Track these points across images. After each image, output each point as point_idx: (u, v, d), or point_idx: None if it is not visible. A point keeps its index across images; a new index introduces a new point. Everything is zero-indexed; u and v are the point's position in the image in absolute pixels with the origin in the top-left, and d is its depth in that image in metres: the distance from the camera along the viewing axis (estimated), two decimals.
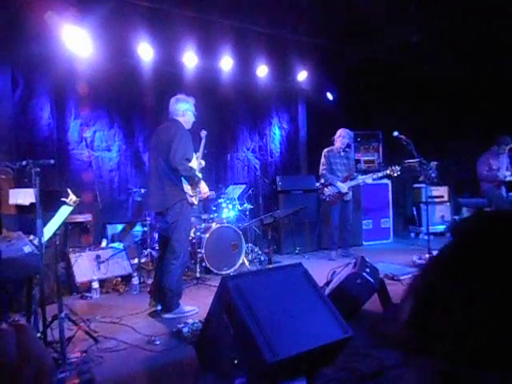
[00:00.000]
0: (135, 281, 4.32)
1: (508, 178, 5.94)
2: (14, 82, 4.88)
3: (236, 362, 1.99)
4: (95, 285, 4.18)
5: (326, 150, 5.77)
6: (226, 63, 5.98)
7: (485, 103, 6.79)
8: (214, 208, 5.42)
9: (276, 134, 7.36)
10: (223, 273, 4.83)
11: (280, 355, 1.84)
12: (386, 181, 6.80)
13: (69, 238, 4.67)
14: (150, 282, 4.39)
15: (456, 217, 7.41)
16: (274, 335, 1.91)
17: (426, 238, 5.33)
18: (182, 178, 3.48)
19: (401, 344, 0.42)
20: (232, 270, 4.94)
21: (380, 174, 5.66)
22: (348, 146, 5.99)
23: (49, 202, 2.97)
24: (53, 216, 2.89)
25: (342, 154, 5.74)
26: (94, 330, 3.11)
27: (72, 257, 4.33)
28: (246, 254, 5.21)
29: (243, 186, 5.90)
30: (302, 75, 6.78)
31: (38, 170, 2.51)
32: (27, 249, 2.49)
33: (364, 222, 6.78)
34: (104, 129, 5.65)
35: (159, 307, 3.54)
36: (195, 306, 3.60)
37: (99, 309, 3.76)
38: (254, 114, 7.08)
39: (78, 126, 5.43)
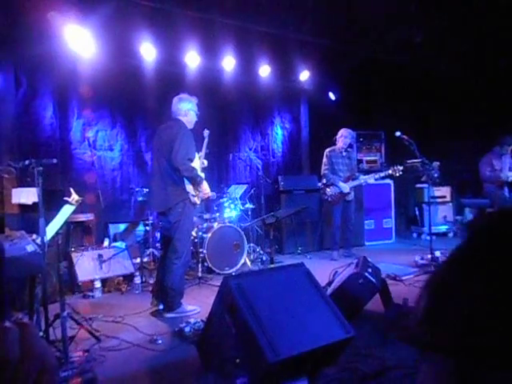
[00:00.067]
0: (137, 280, 4.32)
1: (511, 179, 5.92)
2: (17, 82, 4.90)
3: (238, 361, 1.99)
4: (97, 284, 4.19)
5: (327, 149, 5.76)
6: (229, 63, 5.98)
7: (488, 103, 6.76)
8: (216, 208, 5.42)
9: (278, 133, 7.36)
10: (225, 272, 4.83)
11: (282, 355, 1.84)
12: (388, 181, 6.78)
13: (71, 238, 4.68)
14: (152, 281, 4.40)
15: (458, 217, 7.39)
16: (275, 335, 1.91)
17: (428, 238, 5.34)
18: (184, 178, 3.49)
19: (415, 341, 0.42)
20: (234, 269, 4.95)
21: (382, 174, 5.65)
22: (350, 145, 5.98)
23: (51, 201, 2.98)
24: (55, 215, 2.90)
25: (344, 153, 5.73)
26: (96, 329, 3.12)
27: (74, 256, 4.34)
28: (247, 253, 5.21)
29: (245, 186, 5.90)
30: (305, 75, 6.77)
31: (41, 169, 2.52)
32: (30, 248, 2.50)
33: (366, 222, 6.77)
34: (106, 128, 5.67)
35: (161, 306, 3.55)
36: (197, 305, 3.60)
37: (101, 308, 3.77)
38: (256, 113, 7.08)
39: (80, 126, 5.45)
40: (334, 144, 5.77)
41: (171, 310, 3.46)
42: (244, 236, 5.07)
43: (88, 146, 5.48)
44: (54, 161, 2.62)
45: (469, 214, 7.27)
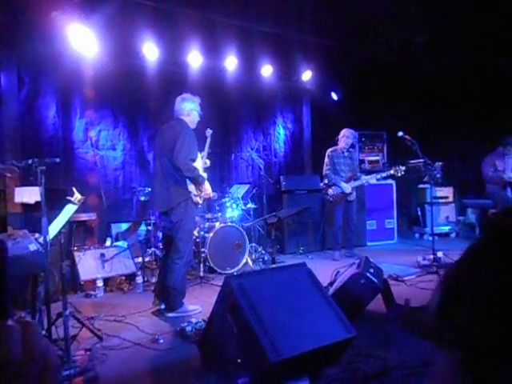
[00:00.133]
0: (139, 279, 4.33)
1: None
2: (20, 82, 4.91)
3: (239, 361, 1.99)
4: (99, 283, 4.20)
5: (329, 150, 5.76)
6: (231, 63, 5.98)
7: (490, 103, 6.75)
8: (218, 207, 5.43)
9: (280, 133, 7.36)
10: (227, 272, 4.84)
11: (283, 355, 1.84)
12: (390, 181, 6.77)
13: (74, 237, 4.69)
14: (153, 280, 4.41)
15: (460, 218, 7.37)
16: (277, 335, 1.91)
17: (430, 238, 5.32)
18: (186, 178, 3.49)
19: (428, 334, 0.43)
20: (235, 269, 4.95)
21: (384, 174, 5.64)
22: (352, 146, 5.98)
23: (54, 200, 2.99)
24: (58, 214, 2.91)
25: (346, 154, 5.73)
26: (98, 328, 3.13)
27: (76, 255, 4.35)
28: (249, 253, 5.22)
29: (247, 186, 5.90)
30: (307, 75, 6.77)
31: (44, 168, 2.53)
32: (32, 247, 2.51)
33: (368, 222, 6.76)
34: (109, 128, 5.68)
35: (163, 306, 3.55)
36: (199, 305, 3.61)
37: (103, 307, 3.78)
38: (259, 113, 7.08)
39: (83, 125, 5.46)
40: (336, 144, 5.76)
41: (173, 310, 3.47)
42: (246, 236, 5.07)
43: (90, 146, 5.50)
44: (57, 160, 2.62)
45: (471, 215, 7.25)
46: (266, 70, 6.36)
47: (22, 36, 4.64)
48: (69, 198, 2.98)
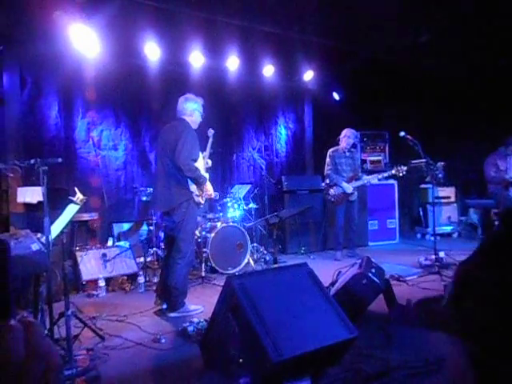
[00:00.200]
0: (141, 279, 4.34)
1: None
2: (22, 82, 4.92)
3: (241, 361, 1.99)
4: (101, 283, 4.20)
5: (331, 150, 5.76)
6: (233, 63, 5.99)
7: (492, 104, 6.73)
8: (220, 207, 5.43)
9: (282, 133, 7.36)
10: (228, 272, 4.84)
11: (285, 355, 1.84)
12: (392, 181, 6.76)
13: (76, 237, 4.70)
14: (155, 280, 4.41)
15: (463, 218, 7.35)
16: (279, 335, 1.91)
17: (432, 238, 5.30)
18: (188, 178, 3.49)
19: (442, 325, 0.44)
20: (237, 269, 4.95)
21: (385, 175, 5.64)
22: (354, 146, 5.97)
23: (56, 200, 3.00)
24: (60, 214, 2.92)
25: (348, 154, 5.72)
26: (100, 327, 3.13)
27: (79, 255, 4.36)
28: (251, 253, 5.22)
29: (249, 186, 5.90)
30: (309, 75, 6.76)
31: (46, 168, 2.54)
32: (35, 246, 2.52)
33: (370, 222, 6.76)
34: (111, 128, 5.69)
35: (165, 306, 3.56)
36: (200, 305, 3.61)
37: (105, 307, 3.78)
38: (260, 113, 7.08)
39: (85, 125, 5.47)
40: (338, 144, 5.76)
41: (175, 310, 3.47)
42: (247, 236, 5.07)
43: (92, 146, 5.51)
44: (59, 160, 2.63)
45: (473, 215, 7.23)
46: (268, 70, 6.36)
47: (24, 36, 4.66)
48: (71, 197, 2.99)
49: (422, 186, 7.23)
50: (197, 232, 4.78)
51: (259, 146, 7.11)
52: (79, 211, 3.00)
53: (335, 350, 2.12)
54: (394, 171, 5.49)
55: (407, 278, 4.27)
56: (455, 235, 7.24)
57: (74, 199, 2.96)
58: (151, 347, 2.83)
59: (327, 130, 6.77)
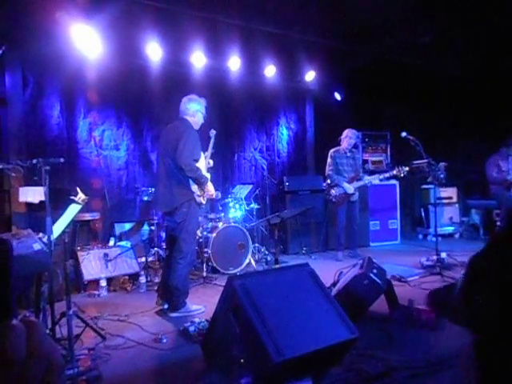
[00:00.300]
0: (142, 279, 4.34)
1: None
2: (24, 82, 4.94)
3: (242, 361, 1.99)
4: (103, 283, 4.21)
5: (332, 150, 5.75)
6: (234, 63, 5.99)
7: (494, 104, 6.72)
8: (221, 208, 5.43)
9: (283, 134, 7.36)
10: (230, 272, 4.84)
11: (286, 355, 1.84)
12: (393, 181, 6.76)
13: (77, 236, 4.71)
14: (157, 280, 4.42)
15: (464, 218, 7.34)
16: (280, 335, 1.91)
17: (434, 239, 5.30)
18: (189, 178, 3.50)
19: (452, 315, 0.44)
20: (238, 269, 4.95)
21: (387, 175, 5.63)
22: (355, 146, 5.97)
23: (58, 200, 3.01)
24: (62, 214, 2.92)
25: (349, 154, 5.72)
26: (102, 327, 3.14)
27: (80, 255, 4.37)
28: (252, 253, 5.22)
29: (250, 186, 5.90)
30: (310, 75, 6.76)
31: (48, 168, 2.54)
32: (36, 246, 2.52)
33: (371, 222, 6.75)
34: (112, 128, 5.70)
35: (166, 306, 3.56)
36: (202, 305, 3.61)
37: (107, 307, 3.79)
38: (262, 113, 7.08)
39: (87, 125, 5.48)
40: (339, 144, 5.76)
41: (176, 310, 3.47)
42: (249, 236, 5.08)
43: (94, 146, 5.53)
44: (61, 160, 2.63)
45: (475, 216, 7.22)
46: (270, 71, 6.36)
47: (26, 36, 4.67)
48: (73, 197, 3.00)
49: (424, 186, 7.23)
50: (198, 232, 4.78)
51: (261, 146, 7.12)
52: (81, 211, 3.00)
53: (336, 351, 2.12)
54: (395, 172, 5.49)
55: (409, 279, 4.26)
56: (457, 236, 7.23)
57: (76, 199, 2.97)
58: (152, 347, 2.83)
59: (329, 131, 6.77)
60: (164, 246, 5.06)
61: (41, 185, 2.56)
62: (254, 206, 5.65)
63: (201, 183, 3.53)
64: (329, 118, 7.17)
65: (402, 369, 2.32)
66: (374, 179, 5.66)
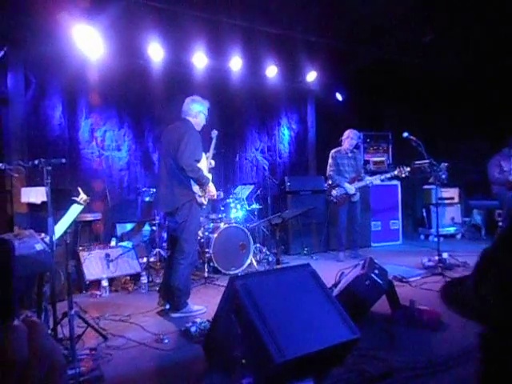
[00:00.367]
0: (144, 280, 4.35)
1: None
2: (26, 82, 4.95)
3: (243, 361, 1.99)
4: (104, 283, 4.22)
5: (333, 150, 5.75)
6: (236, 64, 5.99)
7: (497, 104, 6.70)
8: (223, 208, 5.44)
9: (285, 134, 7.36)
10: (231, 273, 4.84)
11: (288, 356, 1.83)
12: (395, 182, 6.75)
13: (79, 237, 4.72)
14: (158, 280, 4.42)
15: (466, 219, 7.32)
16: (281, 335, 1.90)
17: (435, 239, 5.29)
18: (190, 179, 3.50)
19: (464, 309, 0.45)
20: (240, 270, 4.95)
21: (388, 175, 5.62)
22: (356, 146, 5.96)
23: (60, 200, 3.01)
24: (63, 214, 2.93)
25: (350, 154, 5.72)
26: (103, 327, 3.15)
27: (82, 255, 4.37)
28: (254, 254, 5.22)
29: (252, 187, 5.90)
30: (312, 76, 6.76)
31: (50, 168, 2.54)
32: (38, 246, 2.53)
33: (373, 223, 6.75)
34: (114, 128, 5.71)
35: (168, 306, 3.56)
36: (203, 305, 3.61)
37: (108, 307, 3.79)
38: (263, 114, 7.09)
39: (88, 126, 5.49)
40: (340, 145, 5.75)
41: (177, 310, 3.47)
42: (250, 236, 5.07)
43: (96, 146, 5.54)
44: (63, 160, 2.63)
45: (477, 216, 7.20)
46: (271, 71, 6.37)
47: (28, 37, 4.68)
48: (74, 198, 3.00)
49: (426, 186, 7.21)
50: (200, 232, 4.79)
51: (262, 146, 7.12)
52: (83, 211, 3.00)
53: (338, 351, 2.12)
54: (396, 172, 5.48)
55: (410, 279, 4.26)
56: (459, 236, 7.22)
57: (78, 199, 2.97)
58: (154, 347, 2.83)
59: (330, 131, 6.76)
60: (165, 247, 5.07)
61: (43, 185, 2.56)
62: (256, 206, 5.65)
63: (202, 184, 3.53)
64: (330, 119, 7.17)
65: (404, 369, 2.31)
66: (375, 179, 5.65)
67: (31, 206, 4.32)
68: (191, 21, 4.95)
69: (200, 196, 3.55)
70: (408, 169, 5.37)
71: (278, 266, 5.02)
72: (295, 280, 2.31)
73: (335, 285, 3.44)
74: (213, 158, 4.03)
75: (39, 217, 3.96)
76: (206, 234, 4.99)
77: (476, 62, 6.31)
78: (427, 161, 4.79)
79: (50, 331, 2.64)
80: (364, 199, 6.17)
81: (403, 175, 5.46)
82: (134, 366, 2.58)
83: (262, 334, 1.88)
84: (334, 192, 5.63)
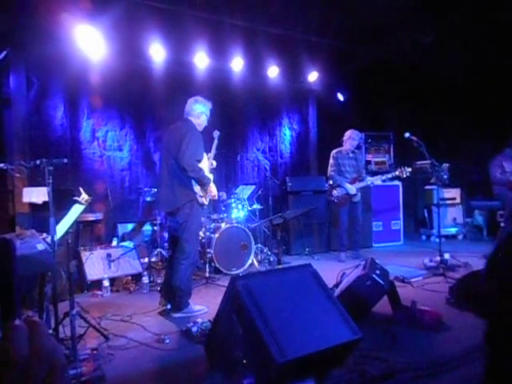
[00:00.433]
0: (145, 280, 4.35)
1: None
2: (28, 83, 4.96)
3: (244, 361, 1.99)
4: (106, 283, 4.22)
5: (334, 151, 5.75)
6: (237, 64, 6.00)
7: (498, 104, 6.68)
8: (224, 208, 5.44)
9: (286, 134, 7.35)
10: (232, 273, 4.84)
11: (289, 356, 1.83)
12: (396, 182, 6.74)
13: (81, 237, 4.72)
14: (159, 280, 4.42)
15: (468, 219, 7.31)
16: (282, 336, 1.90)
17: (437, 240, 5.28)
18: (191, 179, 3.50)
19: (475, 307, 0.45)
20: (241, 270, 4.95)
21: (389, 176, 5.62)
22: (357, 147, 5.96)
23: (61, 200, 3.02)
24: (65, 214, 2.93)
25: (351, 155, 5.71)
26: (105, 327, 3.15)
27: (83, 255, 4.38)
28: (255, 254, 5.22)
29: (253, 187, 5.90)
30: (313, 76, 6.76)
31: (52, 168, 2.55)
32: (40, 246, 2.53)
33: (374, 223, 6.73)
34: (116, 129, 5.72)
35: (169, 306, 3.56)
36: (204, 305, 3.61)
37: (110, 307, 3.80)
38: (265, 114, 7.09)
39: (90, 126, 5.50)
40: (341, 145, 5.75)
41: (179, 310, 3.48)
42: (251, 237, 5.07)
43: (97, 146, 5.55)
44: (65, 161, 2.64)
45: (478, 217, 7.18)
46: (273, 71, 6.37)
47: (30, 38, 4.69)
48: (76, 198, 3.01)
49: (427, 187, 7.20)
50: (201, 233, 4.79)
51: (263, 146, 7.12)
52: (84, 211, 3.01)
53: (339, 351, 2.12)
54: (397, 172, 5.47)
55: (412, 280, 4.25)
56: (460, 237, 7.20)
57: (79, 199, 2.98)
58: (155, 347, 2.83)
59: (331, 131, 6.76)
60: (167, 247, 5.07)
61: (44, 185, 2.57)
62: (257, 206, 5.65)
63: (203, 184, 3.53)
64: (332, 119, 7.16)
65: (406, 370, 2.31)
66: (376, 180, 5.65)
67: (33, 205, 4.33)
68: (193, 21, 4.96)
69: (201, 196, 3.55)
70: (409, 169, 5.37)
71: (280, 267, 5.02)
72: (296, 280, 2.31)
73: (336, 285, 3.44)
74: (214, 159, 4.03)
75: (41, 217, 3.97)
76: (208, 234, 4.99)
77: (477, 62, 6.30)
78: (429, 161, 4.78)
79: (51, 331, 2.65)
80: (365, 199, 6.17)
81: (404, 175, 5.45)
82: (136, 366, 2.58)
83: (263, 334, 1.88)
84: (334, 192, 5.63)
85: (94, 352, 2.68)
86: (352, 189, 5.54)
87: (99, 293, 4.19)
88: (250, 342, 1.98)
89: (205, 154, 3.68)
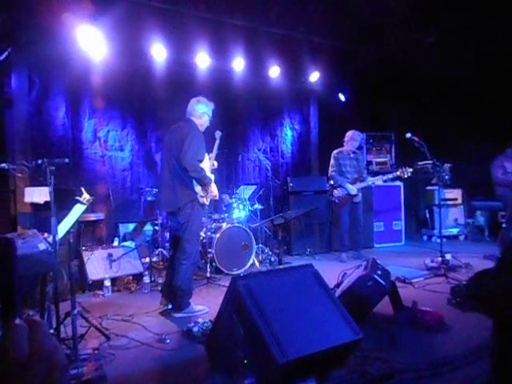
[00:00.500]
0: (146, 280, 4.35)
1: None
2: (30, 83, 4.97)
3: (245, 362, 1.99)
4: (107, 283, 4.23)
5: (335, 151, 5.75)
6: (239, 64, 6.00)
7: (499, 105, 6.67)
8: (225, 208, 5.44)
9: (287, 134, 7.35)
10: (233, 273, 4.84)
11: (290, 356, 1.83)
12: (398, 183, 6.73)
13: (82, 237, 4.73)
14: (160, 280, 4.42)
15: (469, 220, 7.30)
16: (283, 336, 1.90)
17: (438, 241, 5.27)
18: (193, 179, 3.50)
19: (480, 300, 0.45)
20: (242, 270, 4.95)
21: (390, 176, 5.61)
22: (359, 147, 5.95)
23: (63, 200, 3.02)
24: (67, 214, 2.94)
25: (352, 155, 5.71)
26: (106, 327, 3.15)
27: (85, 255, 4.39)
28: (256, 254, 5.21)
29: (254, 187, 5.90)
30: (314, 76, 6.76)
31: (53, 168, 2.55)
32: (42, 246, 2.54)
33: (375, 224, 6.73)
34: (117, 129, 5.72)
35: (170, 306, 3.57)
36: (205, 305, 3.62)
37: (111, 307, 3.80)
38: (266, 114, 7.09)
39: (92, 126, 5.51)
40: (342, 146, 5.75)
41: (180, 310, 3.48)
42: (252, 237, 5.07)
43: (99, 146, 5.55)
44: (66, 160, 2.64)
45: (480, 217, 7.17)
46: (274, 71, 6.37)
47: (32, 38, 4.70)
48: (77, 198, 3.01)
49: (429, 187, 7.19)
50: (202, 233, 4.79)
51: (265, 146, 7.12)
52: (85, 211, 3.01)
53: (340, 352, 2.12)
54: (398, 173, 5.47)
55: (413, 280, 4.24)
56: (462, 237, 7.19)
57: (81, 199, 2.98)
58: (156, 347, 2.84)
59: (333, 131, 6.76)
60: (168, 247, 5.08)
61: (46, 185, 2.57)
62: (258, 206, 5.65)
63: (204, 184, 3.53)
64: (333, 119, 7.16)
65: (407, 371, 2.30)
66: (378, 180, 5.64)
67: (34, 205, 4.34)
68: (194, 21, 4.97)
69: (202, 196, 3.55)
70: (411, 169, 5.36)
71: (281, 267, 5.02)
72: (297, 280, 2.31)
73: (338, 285, 3.44)
74: (215, 159, 4.03)
75: (42, 216, 3.97)
76: (209, 234, 4.99)
77: (477, 62, 6.28)
78: (430, 161, 4.77)
79: (52, 331, 2.65)
80: (367, 200, 6.16)
81: (405, 176, 5.44)
82: (137, 365, 2.58)
83: (264, 335, 1.88)
84: (335, 192, 5.62)
85: (95, 352, 2.68)
86: (353, 189, 5.54)
87: (100, 293, 4.20)
88: (250, 342, 1.98)
89: (206, 155, 3.68)
